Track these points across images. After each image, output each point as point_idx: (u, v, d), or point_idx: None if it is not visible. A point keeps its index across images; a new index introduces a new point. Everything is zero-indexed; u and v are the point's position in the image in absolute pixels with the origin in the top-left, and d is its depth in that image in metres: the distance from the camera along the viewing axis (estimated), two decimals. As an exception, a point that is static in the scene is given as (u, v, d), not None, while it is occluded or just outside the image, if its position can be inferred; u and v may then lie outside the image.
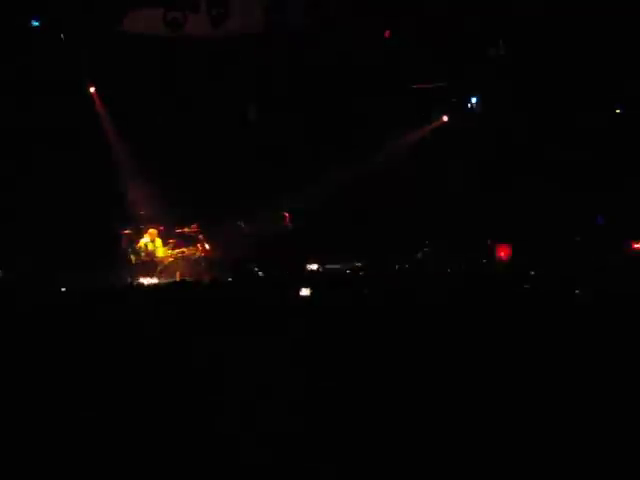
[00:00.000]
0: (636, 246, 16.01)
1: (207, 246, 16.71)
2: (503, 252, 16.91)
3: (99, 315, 7.04)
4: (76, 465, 4.24)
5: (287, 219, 17.48)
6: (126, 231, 16.64)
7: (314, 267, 15.86)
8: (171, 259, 16.54)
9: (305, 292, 8.64)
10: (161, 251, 16.52)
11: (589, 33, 14.90)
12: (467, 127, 17.84)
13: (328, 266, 16.29)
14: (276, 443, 4.29)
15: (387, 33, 15.63)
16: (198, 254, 16.69)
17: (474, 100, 18.01)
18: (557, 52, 15.68)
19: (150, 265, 16.22)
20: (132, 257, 16.35)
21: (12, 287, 11.75)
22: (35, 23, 14.69)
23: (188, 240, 16.87)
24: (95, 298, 8.15)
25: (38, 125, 15.96)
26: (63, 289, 10.60)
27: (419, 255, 17.01)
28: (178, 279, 14.72)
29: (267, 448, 4.26)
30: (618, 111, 17.30)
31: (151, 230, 16.50)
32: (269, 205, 17.16)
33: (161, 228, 16.65)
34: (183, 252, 16.68)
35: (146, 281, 15.08)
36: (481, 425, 4.49)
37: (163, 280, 15.00)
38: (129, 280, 13.14)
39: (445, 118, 18.57)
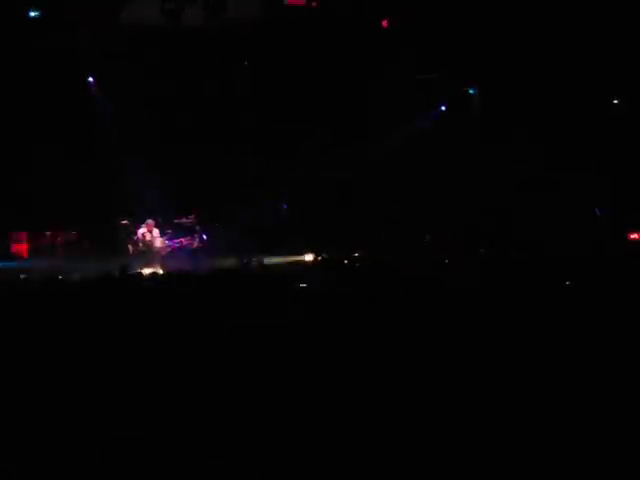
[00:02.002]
0: (633, 236, 16.01)
1: (204, 236, 16.73)
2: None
3: (95, 304, 7.07)
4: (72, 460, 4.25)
5: (285, 210, 17.51)
6: (124, 222, 16.66)
7: (310, 257, 15.84)
8: (169, 249, 16.57)
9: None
10: (159, 241, 16.55)
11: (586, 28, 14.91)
12: (466, 118, 17.86)
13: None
14: (275, 438, 4.30)
15: (385, 22, 15.63)
16: (196, 244, 16.71)
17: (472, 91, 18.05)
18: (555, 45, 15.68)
19: (148, 255, 16.24)
20: (130, 247, 16.38)
21: (12, 278, 11.80)
22: (34, 13, 14.69)
23: (186, 230, 16.90)
24: (92, 287, 8.17)
25: (37, 117, 15.97)
26: (60, 277, 10.65)
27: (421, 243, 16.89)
28: (175, 269, 14.73)
29: (265, 442, 4.27)
30: (616, 101, 17.30)
31: (148, 220, 16.53)
32: (267, 196, 17.18)
33: (159, 218, 16.68)
34: (181, 242, 16.71)
35: (144, 271, 15.08)
36: (479, 417, 4.51)
37: (161, 270, 15.02)
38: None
39: (443, 108, 18.60)
